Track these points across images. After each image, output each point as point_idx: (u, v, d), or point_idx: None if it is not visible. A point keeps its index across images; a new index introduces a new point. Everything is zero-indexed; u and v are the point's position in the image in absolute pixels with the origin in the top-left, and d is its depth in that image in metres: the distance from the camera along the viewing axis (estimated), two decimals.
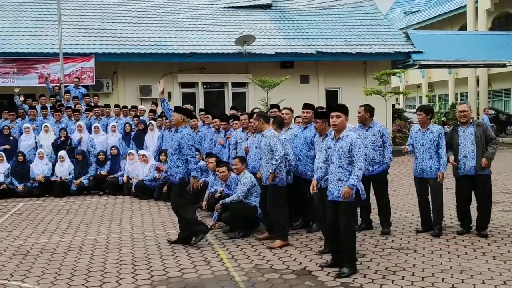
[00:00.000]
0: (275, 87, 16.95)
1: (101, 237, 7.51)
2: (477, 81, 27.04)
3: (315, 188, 5.84)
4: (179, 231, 7.07)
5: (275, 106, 8.85)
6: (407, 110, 30.71)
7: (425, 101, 34.60)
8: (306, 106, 7.49)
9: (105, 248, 6.88)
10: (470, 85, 27.04)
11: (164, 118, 12.40)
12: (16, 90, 13.83)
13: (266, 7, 21.54)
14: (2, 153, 11.69)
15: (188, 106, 14.35)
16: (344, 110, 5.62)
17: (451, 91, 33.29)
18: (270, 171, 6.68)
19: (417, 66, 20.99)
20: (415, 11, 38.14)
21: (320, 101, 18.45)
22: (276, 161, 6.61)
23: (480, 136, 6.87)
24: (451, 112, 27.29)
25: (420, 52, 19.40)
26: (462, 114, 6.99)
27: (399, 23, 34.38)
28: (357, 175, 5.35)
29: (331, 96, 19.58)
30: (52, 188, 11.50)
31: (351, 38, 19.66)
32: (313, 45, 18.86)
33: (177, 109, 7.20)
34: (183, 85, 18.69)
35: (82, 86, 15.09)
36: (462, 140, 6.98)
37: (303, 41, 19.15)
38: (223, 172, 7.82)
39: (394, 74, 19.57)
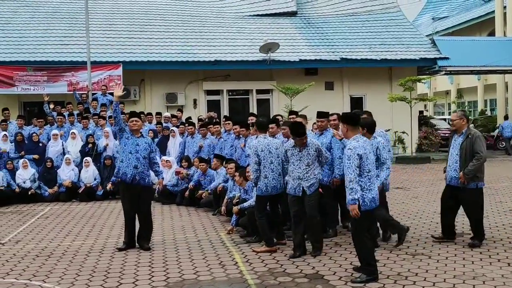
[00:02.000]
0: (299, 94, 17.03)
1: (122, 240, 7.69)
2: (506, 87, 26.57)
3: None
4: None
5: (294, 112, 8.94)
6: (434, 117, 30.36)
7: (453, 108, 34.12)
8: (320, 115, 7.61)
9: (125, 251, 7.06)
10: (499, 91, 26.59)
11: (186, 124, 12.63)
12: (46, 98, 14.27)
13: (291, 14, 21.67)
14: (26, 159, 12.04)
15: (212, 114, 14.61)
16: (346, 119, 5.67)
17: (480, 98, 32.75)
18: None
19: (443, 72, 20.79)
20: (443, 17, 37.70)
21: (344, 108, 18.44)
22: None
23: (465, 148, 6.66)
24: (479, 119, 26.89)
25: (446, 58, 19.22)
26: (452, 122, 6.94)
27: (427, 29, 34.01)
28: (349, 188, 5.32)
29: (356, 102, 19.55)
30: (78, 193, 11.83)
31: (376, 44, 19.62)
32: (338, 52, 18.91)
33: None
34: (208, 92, 18.96)
35: (109, 93, 15.45)
36: (451, 149, 6.94)
37: (327, 48, 19.21)
38: (238, 179, 7.92)
39: (419, 80, 19.43)
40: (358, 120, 5.71)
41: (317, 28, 20.84)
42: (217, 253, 6.77)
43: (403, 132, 18.92)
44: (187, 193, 10.69)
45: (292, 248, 6.61)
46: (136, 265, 6.37)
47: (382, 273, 5.66)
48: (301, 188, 6.51)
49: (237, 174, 7.94)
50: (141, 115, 13.76)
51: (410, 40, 20.19)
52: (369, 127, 6.47)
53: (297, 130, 6.46)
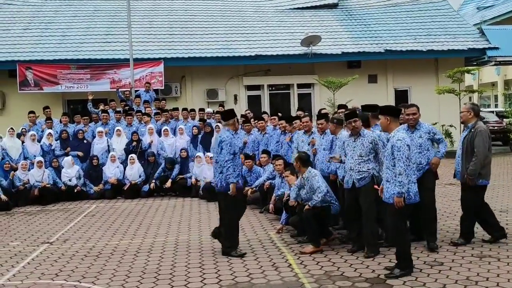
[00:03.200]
0: (342, 87, 16.60)
1: (170, 239, 7.56)
2: None
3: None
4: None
5: (343, 106, 8.57)
6: (483, 109, 29.29)
7: (500, 100, 32.88)
8: (320, 117, 7.87)
9: (174, 251, 6.90)
10: None
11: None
12: (90, 97, 14.34)
13: (332, 6, 21.19)
14: (72, 157, 12.09)
15: (247, 112, 14.24)
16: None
17: None
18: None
19: (493, 63, 19.89)
20: (488, 6, 36.34)
21: (389, 101, 17.89)
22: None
23: (467, 143, 6.28)
24: None
25: (496, 48, 18.37)
26: (460, 114, 6.61)
27: (472, 19, 32.80)
28: (398, 181, 5.32)
29: (401, 95, 18.95)
30: (123, 190, 11.80)
31: (422, 35, 18.93)
32: (382, 44, 18.35)
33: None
34: (249, 87, 18.71)
35: (151, 90, 15.43)
36: (459, 142, 6.57)
37: (370, 39, 18.67)
38: (287, 176, 7.58)
39: (468, 71, 18.66)
40: (399, 111, 5.75)
41: (359, 19, 20.29)
42: (269, 254, 6.52)
43: (451, 126, 18.23)
44: None
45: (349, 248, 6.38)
46: (186, 265, 6.19)
47: (449, 277, 5.29)
48: (352, 180, 6.31)
49: (288, 171, 7.59)
50: (184, 111, 13.71)
51: (457, 30, 19.41)
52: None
53: (350, 115, 6.46)
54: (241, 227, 8.08)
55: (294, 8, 21.18)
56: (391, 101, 18.02)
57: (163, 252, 6.87)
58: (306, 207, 6.64)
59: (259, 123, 11.35)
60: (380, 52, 17.94)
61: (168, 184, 11.82)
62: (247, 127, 11.63)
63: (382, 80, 19.04)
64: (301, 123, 8.76)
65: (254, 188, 9.94)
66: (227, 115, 7.06)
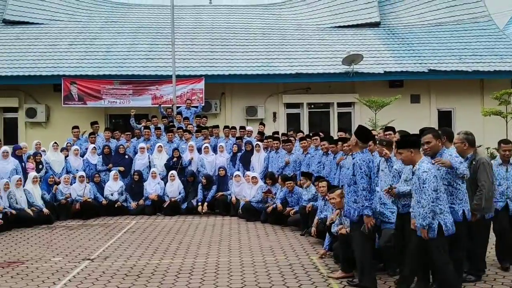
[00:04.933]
0: (384, 107, 16.33)
1: (210, 260, 7.46)
2: None
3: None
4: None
5: (390, 128, 8.31)
6: None
7: None
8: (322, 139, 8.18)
9: (215, 273, 6.80)
10: None
11: (270, 139, 12.31)
12: (132, 112, 14.51)
13: (374, 25, 20.98)
14: (117, 172, 12.22)
15: (291, 132, 14.03)
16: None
17: None
18: None
19: None
20: None
21: (432, 122, 17.50)
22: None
23: (470, 176, 5.74)
24: None
25: None
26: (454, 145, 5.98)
27: None
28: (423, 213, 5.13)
29: (444, 116, 18.51)
30: (163, 207, 11.81)
31: (467, 55, 18.50)
32: (425, 63, 18.01)
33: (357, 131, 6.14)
34: (288, 105, 18.62)
35: (192, 106, 15.51)
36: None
37: (413, 59, 18.36)
38: (334, 198, 7.33)
39: None
40: (419, 141, 5.52)
41: (402, 38, 20.01)
42: (312, 280, 6.34)
43: (496, 149, 17.64)
44: (269, 209, 10.34)
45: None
46: (228, 287, 6.08)
47: None
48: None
49: (333, 194, 7.28)
50: (226, 129, 13.70)
51: (504, 51, 18.88)
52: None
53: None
54: (283, 250, 7.95)
55: (336, 27, 21.07)
56: (434, 122, 17.62)
57: (204, 273, 6.77)
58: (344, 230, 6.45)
59: (302, 143, 11.22)
60: (424, 71, 17.61)
61: (205, 208, 11.73)
62: (287, 146, 11.51)
63: (425, 101, 18.64)
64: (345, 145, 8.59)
65: (294, 209, 9.78)
66: (366, 136, 6.05)
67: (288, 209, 9.94)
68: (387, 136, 7.78)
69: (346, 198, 6.08)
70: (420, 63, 18.04)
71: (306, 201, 9.34)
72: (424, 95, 18.64)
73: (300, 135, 12.54)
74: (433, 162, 5.35)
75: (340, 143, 9.43)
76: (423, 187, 5.07)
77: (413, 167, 5.38)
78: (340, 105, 18.57)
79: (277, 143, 11.83)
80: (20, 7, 20.69)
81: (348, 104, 18.61)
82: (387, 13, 21.74)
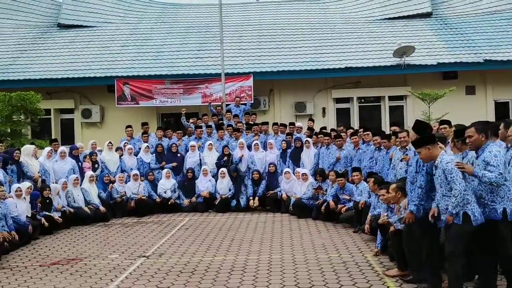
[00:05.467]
0: (438, 99, 15.85)
1: (263, 258, 7.46)
2: None
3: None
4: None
5: (446, 122, 8.00)
6: None
7: None
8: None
9: (267, 270, 6.79)
10: None
11: (321, 135, 12.20)
12: (183, 111, 14.73)
13: (426, 15, 20.43)
14: (170, 170, 12.45)
15: (341, 127, 13.80)
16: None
17: None
18: None
19: None
20: None
21: (488, 114, 16.90)
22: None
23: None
24: None
25: None
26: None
27: None
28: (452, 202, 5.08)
29: (501, 108, 17.81)
30: (214, 204, 11.94)
31: None
32: (480, 53, 17.37)
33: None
34: (338, 100, 18.39)
35: (241, 104, 15.58)
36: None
37: (468, 49, 17.74)
38: (383, 195, 7.15)
39: None
40: (433, 136, 5.54)
41: (455, 28, 19.37)
42: (367, 279, 6.22)
43: None
44: (323, 207, 10.25)
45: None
46: (281, 285, 6.05)
47: None
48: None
49: (383, 190, 7.15)
50: (275, 126, 13.68)
51: None
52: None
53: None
54: (336, 248, 7.87)
55: (385, 19, 20.66)
56: (490, 114, 17.00)
57: (257, 271, 6.77)
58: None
59: (353, 138, 11.06)
60: (479, 62, 16.99)
61: (256, 202, 11.84)
62: (338, 142, 11.37)
63: (480, 92, 17.99)
64: (398, 139, 8.37)
65: (347, 206, 9.66)
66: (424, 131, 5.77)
67: (340, 206, 9.83)
68: (442, 130, 7.55)
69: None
70: (475, 53, 17.43)
71: (359, 198, 9.22)
72: (479, 86, 18.00)
73: (350, 131, 12.38)
74: (455, 165, 5.14)
75: (393, 137, 9.23)
76: (451, 178, 5.02)
77: (434, 162, 5.29)
78: (391, 98, 18.18)
79: (327, 139, 11.70)
80: (73, 11, 21.40)
81: (400, 98, 18.20)
82: (439, 3, 21.18)
